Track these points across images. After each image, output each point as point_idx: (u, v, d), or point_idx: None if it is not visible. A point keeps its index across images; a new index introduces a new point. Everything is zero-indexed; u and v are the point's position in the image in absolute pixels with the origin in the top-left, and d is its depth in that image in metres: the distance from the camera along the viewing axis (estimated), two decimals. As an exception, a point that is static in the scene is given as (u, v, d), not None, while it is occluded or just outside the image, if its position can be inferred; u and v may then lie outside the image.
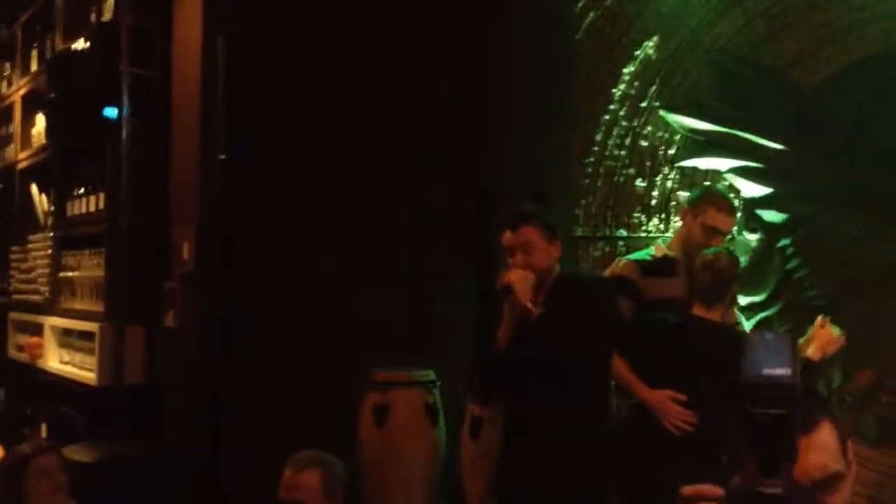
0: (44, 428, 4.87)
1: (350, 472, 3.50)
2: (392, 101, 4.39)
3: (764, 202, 5.00)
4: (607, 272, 3.64)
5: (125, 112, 4.19)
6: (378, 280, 4.17)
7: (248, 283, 3.89)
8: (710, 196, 3.60)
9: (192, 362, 4.00)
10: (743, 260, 4.43)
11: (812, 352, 3.23)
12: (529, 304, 2.67)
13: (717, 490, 1.03)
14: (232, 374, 3.86)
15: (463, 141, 4.54)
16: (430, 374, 3.82)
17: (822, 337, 3.27)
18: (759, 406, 1.11)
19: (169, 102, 4.23)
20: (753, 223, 5.01)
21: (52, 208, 5.32)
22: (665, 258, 3.41)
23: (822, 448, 1.12)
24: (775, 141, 4.93)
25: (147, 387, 4.26)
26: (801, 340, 3.36)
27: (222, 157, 3.65)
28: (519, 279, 2.70)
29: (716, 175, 5.06)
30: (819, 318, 3.42)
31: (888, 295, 4.73)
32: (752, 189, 5.03)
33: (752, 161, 4.98)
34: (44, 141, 5.39)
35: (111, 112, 4.10)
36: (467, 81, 4.64)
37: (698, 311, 3.13)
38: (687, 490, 1.05)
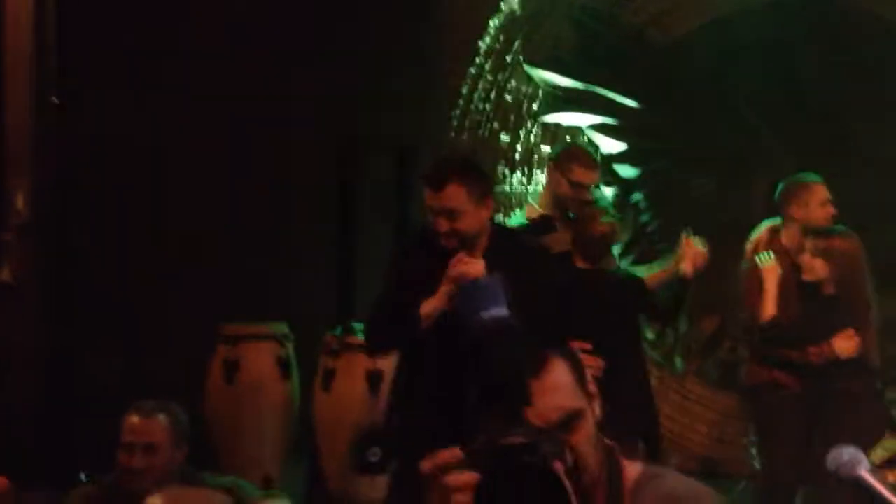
0: None
1: (198, 427, 3.42)
2: (252, 44, 4.22)
3: (620, 157, 5.15)
4: None
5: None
6: (232, 231, 4.04)
7: (89, 234, 3.69)
8: (575, 153, 3.65)
9: (30, 319, 3.79)
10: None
11: (685, 268, 3.37)
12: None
13: (456, 452, 0.99)
14: (75, 330, 3.68)
15: (325, 91, 4.44)
16: (283, 328, 3.69)
17: (690, 252, 3.42)
18: (484, 352, 1.10)
19: (1, 37, 3.92)
20: (609, 178, 5.16)
21: None
22: (542, 217, 3.46)
23: (555, 388, 1.10)
24: (631, 98, 5.07)
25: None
26: (670, 261, 3.50)
27: (55, 100, 3.42)
28: (466, 274, 2.37)
29: (576, 130, 5.16)
30: (683, 236, 3.55)
31: (733, 248, 4.98)
32: (609, 145, 5.17)
33: (610, 117, 5.11)
34: None
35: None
36: (331, 31, 4.51)
37: (581, 264, 3.21)
38: (426, 466, 1.00)
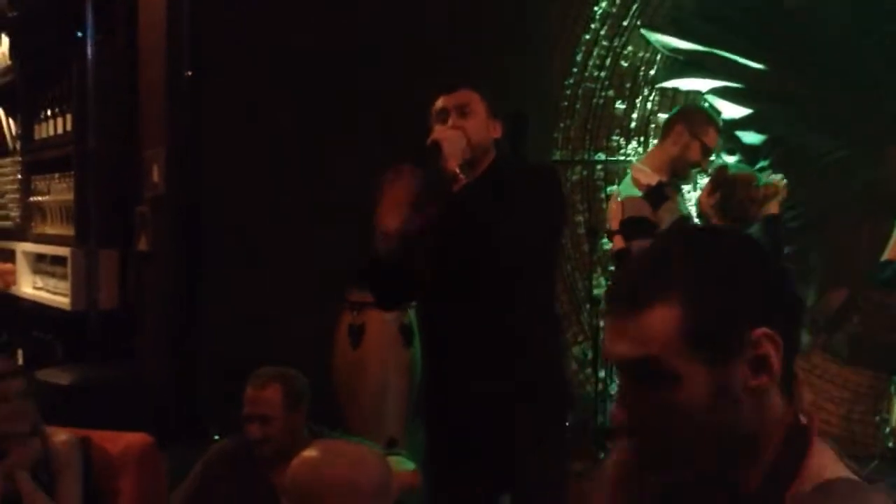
0: (20, 353, 4.82)
1: (327, 392, 3.49)
2: (370, 33, 4.23)
3: (743, 123, 4.92)
4: (610, 215, 3.46)
5: (90, 31, 4.03)
6: (352, 200, 4.06)
7: (218, 204, 3.79)
8: (710, 116, 3.46)
9: (164, 286, 3.93)
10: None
11: (773, 207, 3.18)
12: (457, 170, 2.10)
13: None
14: (203, 297, 3.80)
15: (436, 63, 4.41)
16: (406, 295, 3.77)
17: (773, 189, 3.22)
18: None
19: (135, 19, 4.05)
20: (732, 144, 4.95)
21: (20, 132, 5.16)
22: (658, 184, 3.30)
23: None
24: (756, 61, 4.83)
25: (121, 311, 4.20)
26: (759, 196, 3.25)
27: (188, 73, 3.51)
28: (449, 139, 2.13)
29: (696, 96, 4.96)
30: (767, 177, 3.35)
31: (863, 216, 4.71)
32: (731, 110, 4.95)
33: (733, 81, 4.89)
34: (8, 62, 5.20)
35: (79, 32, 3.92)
36: (442, 2, 4.48)
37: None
38: None
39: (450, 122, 2.22)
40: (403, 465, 2.83)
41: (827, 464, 0.87)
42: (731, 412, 0.84)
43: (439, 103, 2.28)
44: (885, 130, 4.72)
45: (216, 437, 3.59)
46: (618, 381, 0.89)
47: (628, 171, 3.42)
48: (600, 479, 1.01)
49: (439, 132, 2.19)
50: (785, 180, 3.26)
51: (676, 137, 3.20)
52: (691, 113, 3.36)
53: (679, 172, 3.33)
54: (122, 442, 2.80)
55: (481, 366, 2.15)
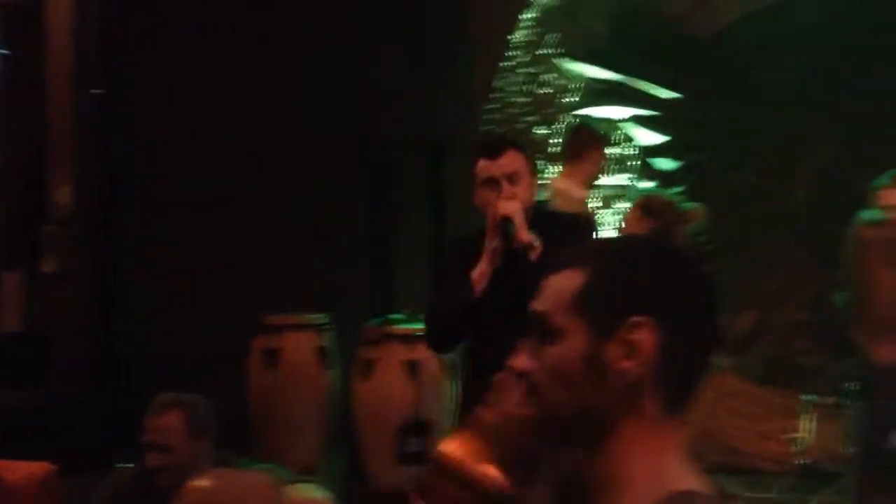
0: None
1: (239, 417, 3.39)
2: (288, 41, 4.20)
3: (658, 150, 5.04)
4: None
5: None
6: (270, 224, 4.01)
7: (131, 225, 3.68)
8: (602, 134, 3.67)
9: (76, 308, 3.78)
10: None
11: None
12: (532, 241, 2.29)
13: None
14: (119, 319, 3.67)
15: (358, 87, 4.40)
16: (323, 318, 3.67)
17: (693, 215, 3.35)
18: None
19: (42, 38, 3.93)
20: (648, 171, 5.06)
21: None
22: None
23: None
24: (670, 89, 4.96)
25: (26, 334, 4.02)
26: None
27: (97, 92, 3.40)
28: (516, 211, 2.29)
29: (612, 123, 5.07)
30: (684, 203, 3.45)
31: (777, 238, 4.86)
32: (647, 137, 5.06)
33: (647, 109, 5.01)
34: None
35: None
36: (364, 30, 4.48)
37: None
38: None
39: (504, 191, 2.32)
40: (314, 492, 2.75)
41: (680, 475, 0.88)
42: (596, 386, 0.88)
43: (486, 171, 2.36)
44: (793, 156, 4.90)
45: (117, 466, 3.45)
46: None
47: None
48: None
49: (505, 206, 2.29)
50: (703, 208, 3.35)
51: (597, 158, 3.30)
52: (597, 133, 3.50)
53: (590, 187, 3.49)
54: (22, 470, 2.69)
55: None
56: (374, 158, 4.15)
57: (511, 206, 2.30)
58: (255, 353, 3.63)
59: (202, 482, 1.46)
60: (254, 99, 4.08)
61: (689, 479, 0.88)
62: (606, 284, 0.90)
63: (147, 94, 3.78)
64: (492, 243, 2.32)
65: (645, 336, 0.87)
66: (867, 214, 3.10)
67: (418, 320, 3.69)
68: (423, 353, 3.46)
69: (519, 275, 2.25)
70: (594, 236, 2.59)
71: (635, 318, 0.88)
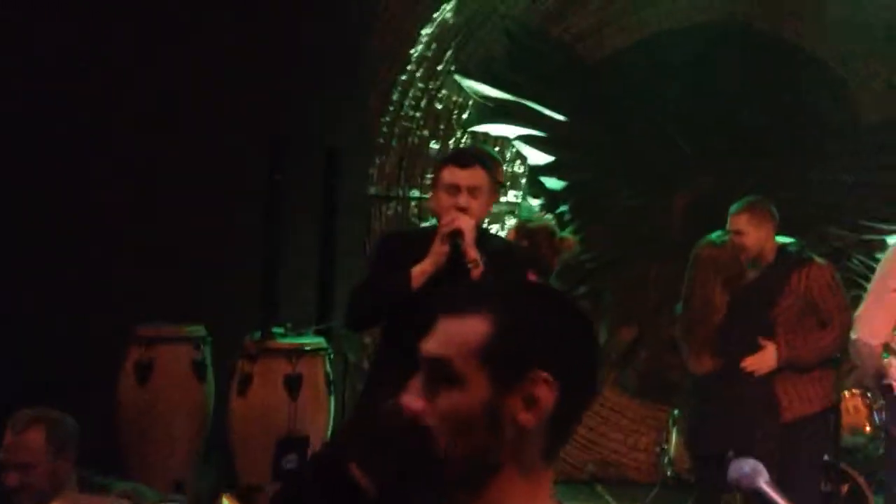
0: None
1: (107, 431, 3.27)
2: (184, 41, 4.08)
3: (546, 170, 5.17)
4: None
5: None
6: (153, 230, 3.88)
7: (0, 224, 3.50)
8: (496, 156, 3.71)
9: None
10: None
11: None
12: (478, 258, 2.41)
13: None
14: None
15: (253, 92, 4.33)
16: (200, 330, 3.56)
17: (567, 243, 3.50)
18: None
19: None
20: (536, 189, 5.18)
21: None
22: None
23: None
24: (559, 112, 5.10)
25: None
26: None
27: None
28: (468, 227, 2.42)
29: (504, 141, 5.16)
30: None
31: (652, 260, 5.06)
32: (536, 157, 5.18)
33: (538, 130, 5.12)
34: None
35: None
36: (262, 32, 4.41)
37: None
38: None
39: (461, 199, 2.45)
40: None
41: None
42: (489, 434, 0.90)
43: (451, 178, 2.48)
44: (673, 181, 5.11)
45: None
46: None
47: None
48: None
49: (459, 220, 2.41)
50: (576, 236, 3.47)
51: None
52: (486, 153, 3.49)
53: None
54: None
55: None
56: (269, 162, 4.08)
57: (465, 221, 2.41)
58: (127, 365, 3.51)
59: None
60: (146, 95, 3.95)
61: None
62: (512, 338, 0.91)
63: (6, 89, 3.60)
64: (440, 248, 2.42)
65: (544, 390, 0.90)
66: (711, 235, 3.30)
67: (300, 335, 3.66)
68: (304, 368, 3.44)
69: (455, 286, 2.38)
70: (524, 267, 2.72)
71: (537, 373, 0.91)
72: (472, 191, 2.46)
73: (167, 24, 4.12)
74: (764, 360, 3.16)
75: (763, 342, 3.18)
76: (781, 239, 3.35)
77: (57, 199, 3.70)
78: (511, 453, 0.91)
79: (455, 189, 2.47)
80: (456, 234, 2.41)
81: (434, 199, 2.56)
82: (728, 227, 3.33)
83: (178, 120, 4.07)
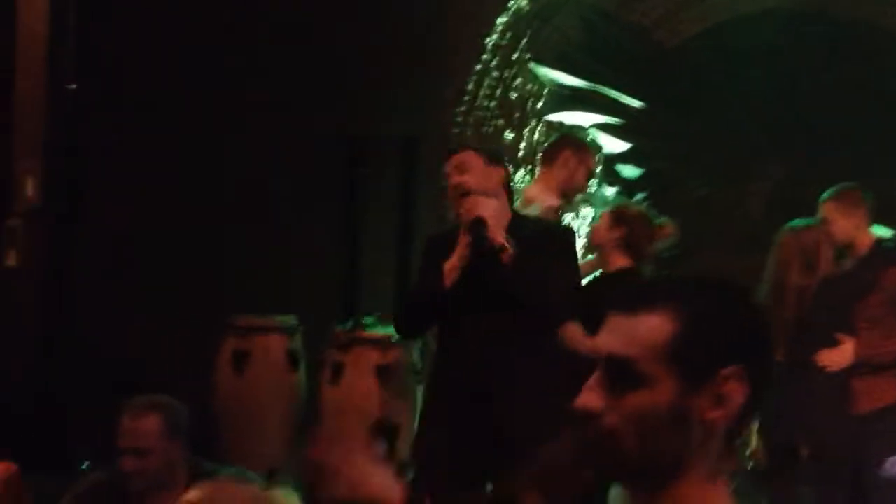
0: None
1: (207, 419, 3.38)
2: (263, 41, 4.16)
3: (623, 157, 5.13)
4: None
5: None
6: (242, 225, 3.98)
7: (99, 222, 3.63)
8: (590, 142, 3.65)
9: (35, 303, 3.72)
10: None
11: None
12: (505, 242, 2.36)
13: None
14: (82, 316, 3.62)
15: (332, 87, 4.38)
16: (292, 320, 3.66)
17: (666, 230, 3.40)
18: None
19: (12, 28, 3.84)
20: (612, 178, 5.14)
21: None
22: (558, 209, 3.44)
23: None
24: (636, 98, 5.05)
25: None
26: None
27: (72, 87, 3.34)
28: (493, 213, 2.39)
29: (580, 129, 5.13)
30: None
31: (726, 250, 4.99)
32: (612, 144, 5.15)
33: (614, 117, 5.09)
34: None
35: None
36: (340, 24, 4.45)
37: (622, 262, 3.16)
38: None
39: (452, 179, 2.50)
40: (289, 498, 2.77)
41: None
42: (677, 434, 0.89)
43: (446, 170, 2.57)
44: (748, 170, 5.02)
45: (84, 466, 3.42)
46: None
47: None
48: None
49: (479, 207, 2.39)
50: (673, 223, 3.40)
51: (564, 162, 3.28)
52: (575, 139, 3.46)
53: (568, 197, 3.42)
54: (-18, 470, 2.63)
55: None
56: (348, 157, 4.14)
57: (485, 207, 2.36)
58: (224, 354, 3.61)
59: (194, 495, 1.47)
60: (228, 96, 4.04)
61: None
62: (700, 335, 0.89)
63: (119, 88, 3.73)
64: (464, 239, 2.40)
65: (735, 386, 0.89)
66: (795, 221, 3.24)
67: (389, 324, 3.71)
68: (393, 357, 3.50)
69: (491, 276, 2.35)
70: (571, 245, 2.64)
71: (728, 370, 0.88)
72: (458, 168, 2.50)
73: (242, 23, 4.18)
74: (840, 356, 3.09)
75: (841, 338, 3.10)
76: (880, 231, 3.27)
77: (160, 199, 3.82)
78: (697, 452, 0.90)
79: (448, 177, 2.54)
80: (478, 223, 2.37)
81: (447, 194, 2.63)
82: (818, 214, 3.26)
83: (262, 117, 4.15)
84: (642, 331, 0.89)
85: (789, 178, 4.86)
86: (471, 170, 2.47)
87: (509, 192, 2.57)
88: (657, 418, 0.88)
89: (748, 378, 0.89)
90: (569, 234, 2.77)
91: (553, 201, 3.24)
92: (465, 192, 2.44)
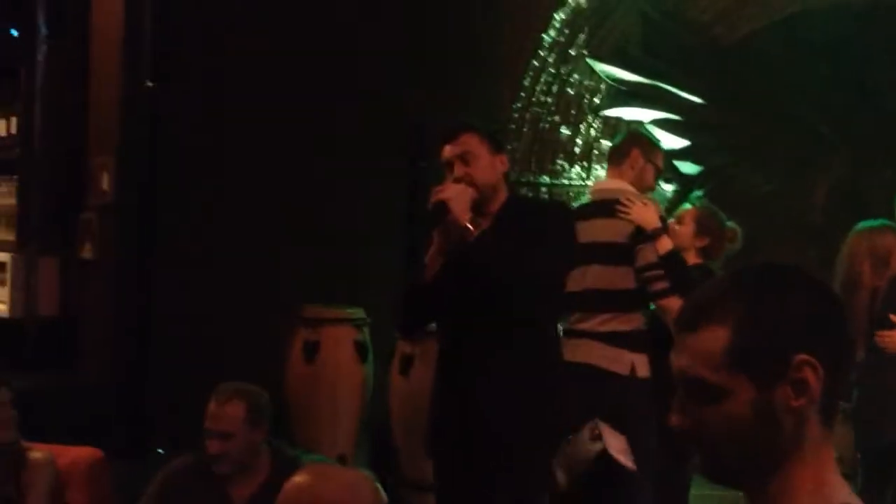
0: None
1: (277, 407, 3.47)
2: (325, 38, 4.26)
3: (681, 154, 5.12)
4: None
5: (41, 32, 3.94)
6: (309, 217, 4.08)
7: (172, 215, 3.74)
8: (658, 141, 3.59)
9: (111, 294, 3.84)
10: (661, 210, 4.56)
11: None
12: (467, 224, 2.20)
13: None
14: (153, 308, 3.73)
15: (394, 81, 4.46)
16: (360, 312, 3.74)
17: (732, 233, 3.40)
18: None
19: (88, 25, 3.97)
20: (669, 174, 5.14)
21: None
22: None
23: None
24: (695, 94, 5.04)
25: (61, 319, 4.08)
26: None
27: (150, 84, 3.46)
28: (455, 195, 2.21)
29: (637, 125, 5.14)
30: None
31: (788, 247, 4.96)
32: (670, 141, 5.14)
33: (673, 113, 5.09)
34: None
35: (14, 31, 3.85)
36: (398, 19, 4.53)
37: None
38: None
39: (455, 171, 2.29)
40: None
41: (837, 489, 0.95)
42: (767, 430, 0.93)
43: (444, 153, 2.34)
44: (811, 166, 4.99)
45: (159, 452, 3.53)
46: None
47: (582, 193, 3.51)
48: None
49: (444, 190, 2.24)
50: (738, 228, 3.41)
51: (633, 162, 3.26)
52: (642, 138, 3.45)
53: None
54: (69, 456, 2.74)
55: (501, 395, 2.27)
56: (409, 151, 4.21)
57: (450, 191, 2.23)
58: (295, 344, 3.71)
59: (304, 478, 1.52)
60: (297, 90, 4.14)
61: (844, 492, 0.95)
62: (757, 334, 0.92)
63: (195, 86, 3.84)
64: (435, 228, 2.25)
65: (808, 372, 0.91)
66: (866, 222, 3.23)
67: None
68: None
69: (462, 259, 2.20)
70: (567, 221, 2.44)
71: (797, 359, 0.91)
72: (462, 157, 2.28)
73: (310, 23, 4.27)
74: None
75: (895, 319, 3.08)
76: None
77: (232, 194, 3.93)
78: (794, 440, 0.93)
79: (449, 165, 2.32)
80: (438, 207, 2.21)
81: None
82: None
83: (328, 112, 4.24)
84: (702, 346, 0.92)
85: (857, 175, 4.82)
86: (476, 160, 2.28)
87: (507, 177, 2.41)
88: (744, 422, 0.92)
89: (822, 361, 0.92)
90: (563, 209, 2.66)
91: (636, 191, 3.22)
92: (471, 183, 2.26)
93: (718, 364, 0.92)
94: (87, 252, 3.99)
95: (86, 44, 3.97)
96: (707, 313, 0.93)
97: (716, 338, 0.92)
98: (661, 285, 2.92)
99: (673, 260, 2.94)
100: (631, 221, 2.97)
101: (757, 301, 0.93)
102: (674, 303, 2.83)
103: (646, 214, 2.96)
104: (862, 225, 3.27)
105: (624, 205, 3.00)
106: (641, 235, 2.96)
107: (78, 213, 4.03)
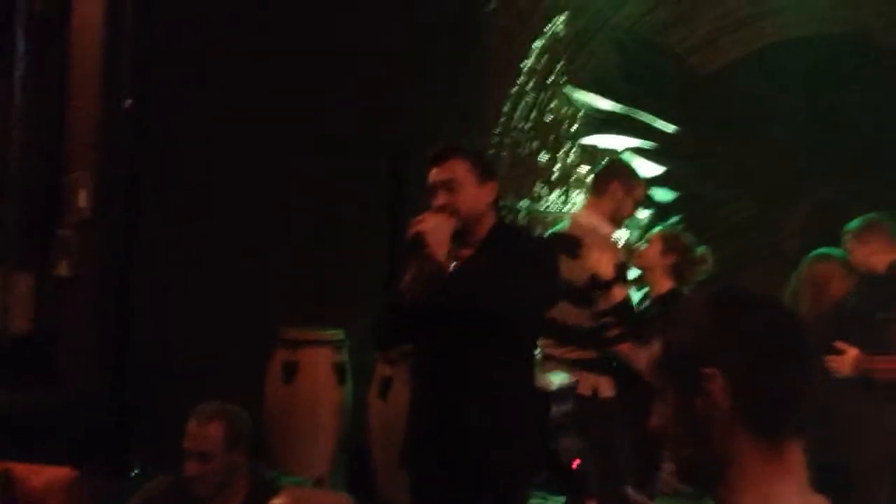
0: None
1: (256, 428, 3.46)
2: (310, 58, 4.30)
3: (658, 181, 5.21)
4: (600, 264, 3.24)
5: (20, 49, 3.94)
6: (288, 238, 4.09)
7: (150, 234, 3.73)
8: (637, 173, 3.62)
9: (88, 311, 3.82)
10: (635, 236, 4.62)
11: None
12: (443, 259, 2.12)
13: None
14: (132, 325, 3.72)
15: (374, 103, 4.50)
16: (339, 334, 3.76)
17: (703, 259, 3.44)
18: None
19: (67, 41, 3.98)
20: (644, 201, 5.21)
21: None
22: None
23: None
24: (670, 122, 5.14)
25: (34, 336, 4.04)
26: None
27: (129, 102, 3.46)
28: (433, 228, 2.13)
29: (614, 153, 5.22)
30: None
31: (768, 273, 5.04)
32: (647, 168, 5.23)
33: (649, 141, 5.18)
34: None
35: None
36: (382, 41, 4.58)
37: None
38: None
39: (439, 198, 2.24)
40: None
41: (786, 498, 1.02)
42: (698, 432, 1.04)
43: (430, 176, 2.27)
44: (788, 193, 5.08)
45: (135, 473, 3.50)
46: None
47: (560, 219, 3.56)
48: None
49: (422, 222, 2.16)
50: (709, 252, 3.47)
51: (612, 194, 3.31)
52: (623, 171, 3.50)
53: (616, 224, 3.48)
54: (44, 475, 2.71)
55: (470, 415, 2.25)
56: (391, 176, 4.25)
57: (426, 223, 2.16)
58: (274, 365, 3.70)
59: (282, 501, 1.53)
60: (279, 111, 4.17)
61: (791, 501, 1.01)
62: (675, 349, 1.06)
63: (171, 102, 3.85)
64: (412, 256, 2.18)
65: (714, 384, 1.01)
66: (817, 251, 3.33)
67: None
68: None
69: (440, 291, 2.14)
70: (553, 255, 2.39)
71: (703, 371, 1.02)
72: (447, 185, 2.21)
73: (292, 42, 4.32)
74: (842, 362, 3.12)
75: (842, 346, 3.13)
76: None
77: (212, 213, 3.93)
78: (724, 449, 1.01)
79: (433, 189, 2.24)
80: (416, 242, 2.14)
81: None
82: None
83: (308, 136, 4.27)
84: (652, 352, 1.08)
85: (832, 202, 4.92)
86: (461, 189, 2.22)
87: (496, 204, 2.34)
88: (678, 427, 1.05)
89: (728, 375, 1.01)
90: (540, 245, 2.57)
91: (607, 229, 3.27)
92: (454, 212, 2.20)
93: (654, 368, 1.08)
94: (62, 269, 3.96)
95: (64, 60, 3.97)
96: (661, 325, 1.10)
97: (656, 346, 1.09)
98: (615, 332, 3.03)
99: (623, 309, 3.04)
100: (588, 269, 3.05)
101: (673, 320, 1.09)
102: (626, 347, 2.98)
103: (600, 264, 3.03)
104: (812, 253, 3.37)
105: (585, 247, 3.08)
106: (596, 283, 3.04)
107: (52, 229, 4.02)
